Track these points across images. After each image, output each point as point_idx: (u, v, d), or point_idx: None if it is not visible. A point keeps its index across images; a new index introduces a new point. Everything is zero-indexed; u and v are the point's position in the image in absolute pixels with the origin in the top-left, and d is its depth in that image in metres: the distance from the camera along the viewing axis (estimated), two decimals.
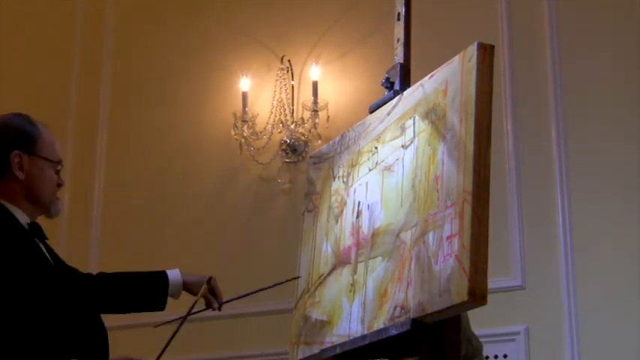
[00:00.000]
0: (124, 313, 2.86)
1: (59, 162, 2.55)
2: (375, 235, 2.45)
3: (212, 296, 2.88)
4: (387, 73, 2.63)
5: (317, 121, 4.63)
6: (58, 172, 2.54)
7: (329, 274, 2.65)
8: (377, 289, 2.36)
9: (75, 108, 5.15)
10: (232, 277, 4.70)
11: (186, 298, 2.90)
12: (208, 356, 4.58)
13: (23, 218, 2.48)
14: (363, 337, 2.36)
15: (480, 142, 2.11)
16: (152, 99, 5.09)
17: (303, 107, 4.70)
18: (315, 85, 4.66)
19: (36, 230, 2.49)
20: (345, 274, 2.56)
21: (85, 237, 4.92)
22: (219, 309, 2.90)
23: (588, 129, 4.18)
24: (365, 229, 2.52)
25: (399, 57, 2.62)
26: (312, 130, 4.65)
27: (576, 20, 4.33)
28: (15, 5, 5.45)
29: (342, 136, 2.82)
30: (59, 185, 2.55)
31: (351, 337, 2.42)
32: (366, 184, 2.58)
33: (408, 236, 2.28)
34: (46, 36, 5.34)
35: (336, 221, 2.70)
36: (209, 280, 2.85)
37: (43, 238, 2.52)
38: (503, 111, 4.30)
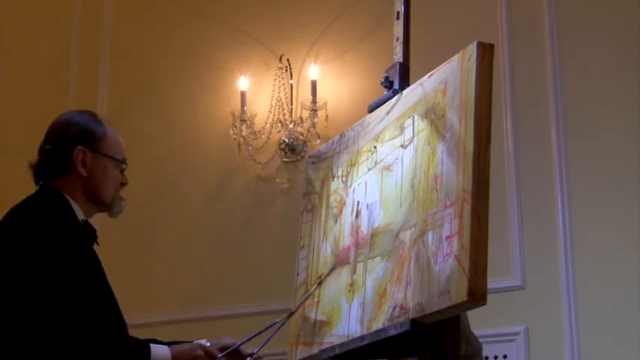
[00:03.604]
0: None
1: (124, 161, 2.54)
2: (374, 234, 2.45)
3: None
4: (386, 72, 2.62)
5: (316, 120, 4.62)
6: (122, 171, 2.53)
7: (328, 274, 2.64)
8: (376, 289, 2.35)
9: (73, 108, 5.14)
10: (231, 277, 4.71)
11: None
12: None
13: (79, 214, 2.46)
14: (362, 337, 2.35)
15: (479, 142, 2.10)
16: (150, 98, 5.09)
17: (301, 106, 4.69)
18: (313, 84, 4.65)
19: (88, 229, 2.47)
20: (344, 274, 2.55)
21: None
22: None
23: (588, 128, 4.17)
24: (364, 228, 2.51)
25: (398, 56, 2.61)
26: (311, 130, 4.64)
27: (576, 20, 4.32)
28: (13, 6, 5.44)
29: (341, 136, 2.81)
30: (123, 184, 2.54)
31: (350, 338, 2.41)
32: (365, 183, 2.57)
33: (407, 236, 2.27)
34: (44, 36, 5.33)
35: (335, 221, 2.69)
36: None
37: (94, 238, 2.49)
38: (503, 111, 4.29)
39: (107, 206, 2.52)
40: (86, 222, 2.48)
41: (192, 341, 2.51)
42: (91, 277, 2.35)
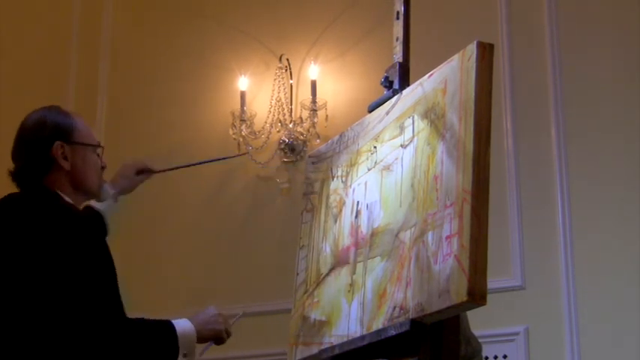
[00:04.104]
0: None
1: (99, 144, 2.59)
2: (373, 234, 2.44)
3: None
4: (385, 72, 2.62)
5: (316, 120, 4.62)
6: (99, 155, 2.58)
7: (328, 274, 2.64)
8: (376, 289, 2.35)
9: (72, 108, 5.12)
10: (231, 277, 4.70)
11: None
12: (208, 356, 4.56)
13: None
14: (362, 337, 2.35)
15: (479, 142, 2.10)
16: (150, 98, 5.08)
17: (301, 106, 4.69)
18: (313, 84, 4.65)
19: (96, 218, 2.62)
20: (343, 274, 2.55)
21: None
22: None
23: (588, 128, 4.17)
24: (364, 228, 2.51)
25: (397, 56, 2.60)
26: (311, 130, 4.63)
27: (576, 20, 4.32)
28: (13, 6, 5.43)
29: (340, 136, 2.81)
30: (103, 168, 2.60)
31: (350, 338, 2.41)
32: (365, 183, 2.57)
33: (407, 236, 2.27)
34: (43, 35, 5.33)
35: (335, 221, 2.68)
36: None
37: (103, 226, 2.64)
38: (503, 110, 4.29)
39: (94, 193, 2.57)
40: (94, 210, 2.53)
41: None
42: (99, 267, 2.38)
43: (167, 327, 2.43)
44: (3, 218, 2.39)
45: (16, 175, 2.49)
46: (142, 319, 2.42)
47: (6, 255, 2.30)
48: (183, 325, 2.47)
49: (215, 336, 2.59)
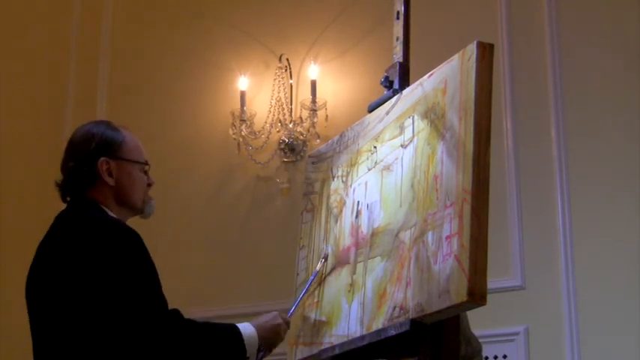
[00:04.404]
0: None
1: (146, 162, 2.59)
2: (374, 234, 2.44)
3: None
4: (386, 71, 2.63)
5: (315, 120, 4.62)
6: (146, 172, 2.58)
7: (328, 274, 2.64)
8: (376, 289, 2.35)
9: (72, 108, 5.14)
10: (230, 277, 4.70)
11: None
12: None
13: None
14: (362, 337, 2.35)
15: (479, 142, 2.10)
16: (150, 98, 5.08)
17: (301, 106, 4.69)
18: (313, 83, 4.64)
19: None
20: (344, 274, 2.55)
21: None
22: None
23: (588, 128, 4.17)
24: (364, 228, 2.51)
25: (398, 56, 2.61)
26: (311, 130, 4.63)
27: (576, 20, 4.31)
28: (12, 6, 5.43)
29: (340, 136, 2.81)
30: (149, 185, 2.59)
31: (350, 338, 2.41)
32: (365, 183, 2.57)
33: (407, 236, 2.27)
34: (44, 35, 5.33)
35: (335, 221, 2.69)
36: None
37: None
38: (503, 111, 4.29)
39: (139, 209, 2.57)
40: None
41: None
42: (150, 275, 2.37)
43: (233, 331, 2.42)
44: (54, 235, 2.39)
45: (61, 186, 2.50)
46: (207, 323, 2.41)
47: (60, 267, 2.30)
48: (245, 329, 2.45)
49: (275, 334, 2.53)
